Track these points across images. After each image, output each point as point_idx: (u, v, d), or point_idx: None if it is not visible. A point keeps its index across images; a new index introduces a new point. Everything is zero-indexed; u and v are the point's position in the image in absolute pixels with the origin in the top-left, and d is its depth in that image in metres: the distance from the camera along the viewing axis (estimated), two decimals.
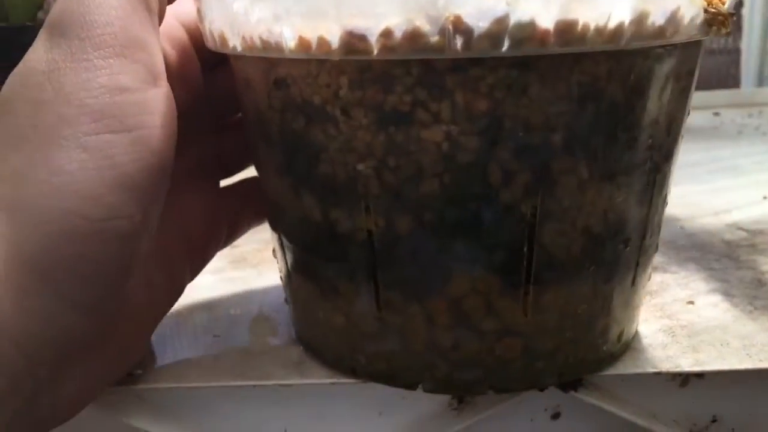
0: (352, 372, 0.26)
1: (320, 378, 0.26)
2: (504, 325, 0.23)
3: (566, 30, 0.19)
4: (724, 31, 0.22)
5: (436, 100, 0.20)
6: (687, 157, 0.57)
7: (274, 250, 0.28)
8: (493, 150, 0.21)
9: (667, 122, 0.23)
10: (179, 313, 0.32)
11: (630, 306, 0.26)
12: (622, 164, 0.22)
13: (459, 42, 0.19)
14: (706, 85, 0.81)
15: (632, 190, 0.23)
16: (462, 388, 0.25)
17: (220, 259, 0.38)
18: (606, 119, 0.21)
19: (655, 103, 0.22)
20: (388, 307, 0.24)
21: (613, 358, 0.26)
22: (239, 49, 0.22)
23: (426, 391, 0.25)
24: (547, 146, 0.21)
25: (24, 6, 0.34)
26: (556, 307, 0.23)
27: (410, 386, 0.25)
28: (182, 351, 0.29)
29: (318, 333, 0.27)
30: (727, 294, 0.31)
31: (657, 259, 0.35)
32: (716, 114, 0.72)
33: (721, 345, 0.27)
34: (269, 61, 0.22)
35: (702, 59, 0.24)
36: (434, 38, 0.19)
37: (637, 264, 0.25)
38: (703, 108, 0.72)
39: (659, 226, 0.26)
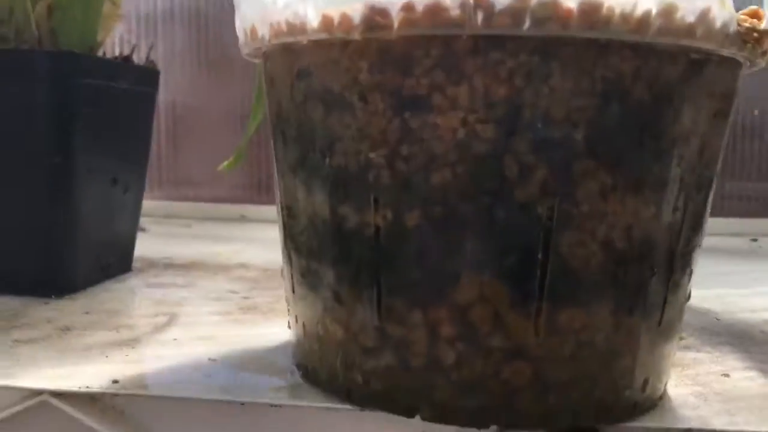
0: (347, 394, 0.24)
1: (312, 401, 0.24)
2: (513, 344, 0.21)
3: (590, 12, 0.18)
4: (760, 50, 0.21)
5: (454, 84, 0.20)
6: (722, 269, 0.55)
7: (282, 269, 0.27)
8: (510, 141, 0.20)
9: (700, 144, 0.22)
10: (178, 341, 0.30)
11: (657, 351, 0.23)
12: (649, 176, 0.21)
13: (480, 17, 0.19)
14: (744, 212, 0.79)
15: (660, 210, 0.21)
16: (464, 419, 0.22)
17: (229, 305, 0.37)
18: (632, 122, 0.20)
19: (685, 116, 0.21)
20: (389, 316, 0.22)
21: (637, 410, 0.23)
22: (267, 37, 0.22)
23: (424, 419, 0.22)
24: (568, 143, 0.20)
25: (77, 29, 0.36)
26: (571, 331, 0.21)
27: (408, 412, 0.22)
28: (176, 371, 0.27)
29: (316, 352, 0.25)
30: (766, 371, 0.28)
31: (690, 341, 0.33)
32: (754, 240, 0.70)
33: (760, 411, 0.24)
34: (294, 52, 0.22)
35: (739, 97, 0.23)
36: (455, 12, 0.19)
37: (665, 302, 0.23)
38: (740, 235, 0.70)
39: (690, 267, 0.24)
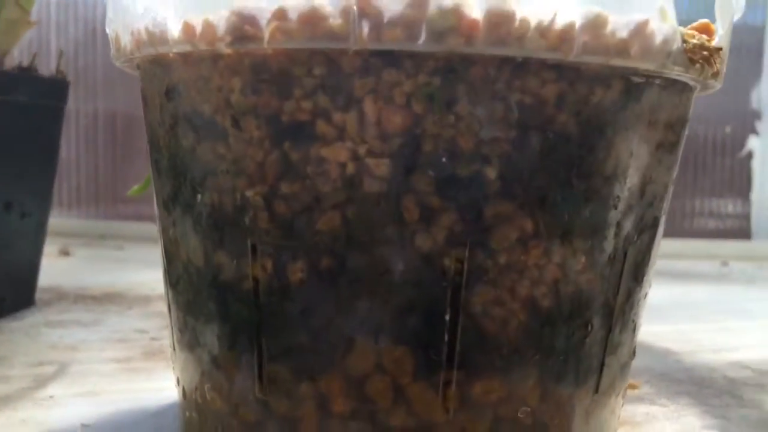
0: None
1: None
2: (418, 422, 0.17)
3: (499, 24, 0.15)
4: (710, 71, 0.18)
5: (341, 109, 0.16)
6: (689, 298, 0.52)
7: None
8: (410, 179, 0.16)
9: (641, 180, 0.18)
10: (55, 399, 0.26)
11: (593, 422, 0.20)
12: (578, 221, 0.17)
13: (366, 28, 0.15)
14: (713, 234, 0.78)
15: (594, 261, 0.18)
16: None
17: (132, 349, 0.33)
18: (556, 157, 0.17)
19: (622, 149, 0.17)
20: (272, 386, 0.18)
21: None
22: (129, 48, 0.19)
23: None
24: (479, 181, 0.16)
25: None
26: (488, 405, 0.18)
27: None
28: None
29: (195, 424, 0.21)
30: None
31: (644, 389, 0.29)
32: (725, 264, 0.67)
33: None
34: (162, 67, 0.19)
35: (690, 128, 0.20)
36: (335, 21, 0.15)
37: (603, 364, 0.19)
38: (710, 257, 0.68)
39: (634, 321, 0.21)
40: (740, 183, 0.81)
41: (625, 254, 0.19)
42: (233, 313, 0.18)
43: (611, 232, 0.18)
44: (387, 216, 0.16)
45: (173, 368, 0.23)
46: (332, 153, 0.16)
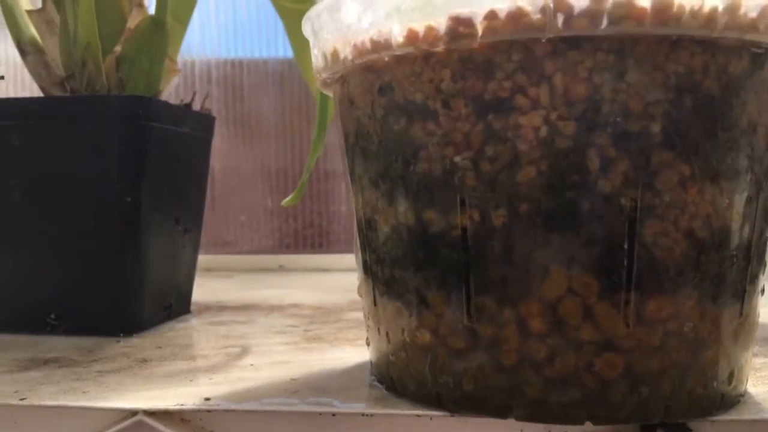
0: (438, 399, 0.24)
1: (403, 409, 0.24)
2: (603, 337, 0.22)
3: (662, 10, 0.20)
4: None
5: (535, 84, 0.21)
6: None
7: (359, 288, 0.28)
8: (591, 136, 0.21)
9: (766, 134, 0.23)
10: (255, 367, 0.31)
11: (739, 342, 0.24)
12: (724, 166, 0.22)
13: (560, 20, 0.20)
14: None
15: (735, 199, 0.22)
16: (558, 416, 0.23)
17: (294, 336, 0.37)
18: (704, 114, 0.21)
19: (752, 108, 0.22)
20: (479, 315, 0.23)
21: (724, 403, 0.24)
22: (350, 58, 0.24)
23: (518, 419, 0.23)
24: (646, 135, 0.21)
25: (143, 80, 0.38)
26: (659, 321, 0.22)
27: (501, 412, 0.23)
28: (262, 389, 0.28)
29: (402, 361, 0.25)
30: None
31: (756, 349, 0.33)
32: None
33: None
34: (375, 71, 0.24)
35: None
36: (536, 17, 0.20)
37: (745, 291, 0.23)
38: None
39: (765, 259, 0.24)
40: None
41: (758, 197, 0.23)
42: (443, 258, 0.23)
43: (747, 177, 0.22)
44: (574, 166, 0.21)
45: (367, 328, 0.28)
46: (528, 120, 0.21)
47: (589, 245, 0.21)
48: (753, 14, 0.20)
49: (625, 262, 0.21)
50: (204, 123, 0.44)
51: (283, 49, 0.87)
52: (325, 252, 0.79)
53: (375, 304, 0.27)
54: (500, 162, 0.22)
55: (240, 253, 0.80)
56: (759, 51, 0.21)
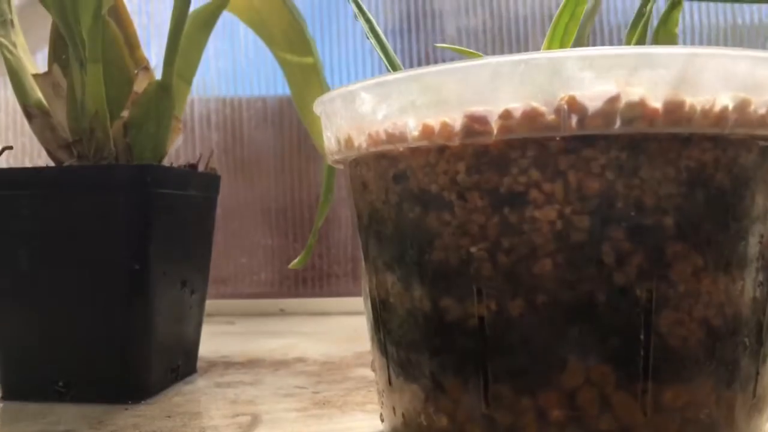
0: None
1: None
2: (621, 425, 0.22)
3: (674, 110, 0.20)
4: None
5: (549, 180, 0.21)
6: None
7: (372, 362, 0.28)
8: (606, 229, 0.21)
9: None
10: None
11: (752, 423, 0.24)
12: (736, 255, 0.22)
13: (574, 120, 0.20)
14: None
15: (747, 286, 0.23)
16: None
17: (302, 401, 0.37)
18: (716, 206, 0.22)
19: (761, 196, 0.22)
20: (497, 403, 0.23)
21: None
22: (364, 146, 0.24)
23: None
24: (660, 228, 0.21)
25: (150, 144, 0.39)
26: (676, 409, 0.22)
27: None
28: None
29: None
30: None
31: None
32: None
33: None
34: (390, 159, 0.24)
35: None
36: (550, 117, 0.21)
37: (758, 373, 0.24)
38: None
39: None
40: None
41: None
42: (459, 345, 0.23)
43: (759, 263, 0.23)
44: (589, 259, 0.21)
45: (381, 404, 0.28)
46: (543, 214, 0.22)
47: (606, 336, 0.22)
48: (762, 110, 0.21)
49: (642, 353, 0.22)
50: (209, 183, 0.44)
51: (282, 87, 0.88)
52: (326, 295, 0.79)
53: (390, 383, 0.27)
54: (516, 254, 0.22)
55: (240, 295, 0.80)
56: (764, 144, 0.22)
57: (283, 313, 0.77)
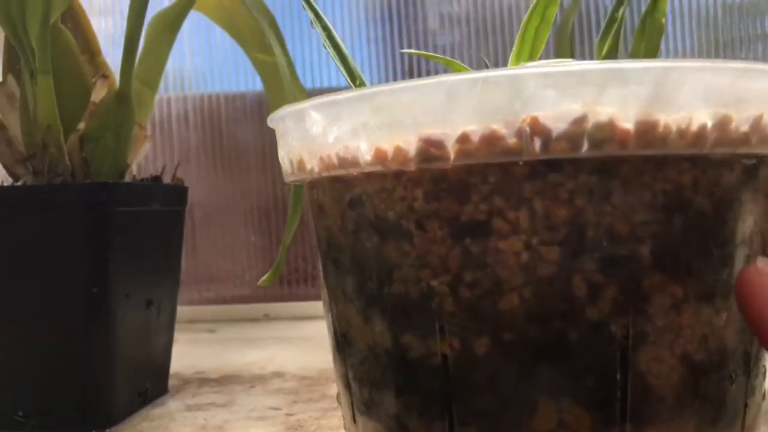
0: None
1: None
2: None
3: (647, 131, 0.18)
4: None
5: (513, 208, 0.19)
6: None
7: (338, 395, 0.27)
8: (577, 261, 0.19)
9: (762, 242, 0.21)
10: None
11: None
12: (719, 283, 0.20)
13: (537, 144, 0.18)
14: None
15: (732, 316, 0.21)
16: None
17: (274, 425, 0.36)
18: (696, 232, 0.20)
19: (747, 218, 0.20)
20: None
21: None
22: (317, 170, 0.23)
23: None
24: (635, 258, 0.19)
25: (109, 158, 0.37)
26: None
27: None
28: None
29: None
30: None
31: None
32: None
33: None
34: (344, 183, 0.22)
35: None
36: (512, 140, 0.19)
37: (746, 405, 0.22)
38: None
39: (765, 366, 0.23)
40: None
41: None
42: (423, 385, 0.21)
43: None
44: (559, 293, 0.19)
45: None
46: (508, 245, 0.20)
47: (580, 376, 0.20)
48: (745, 128, 0.19)
49: (619, 393, 0.20)
50: (175, 195, 0.42)
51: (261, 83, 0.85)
52: (312, 296, 0.78)
53: (354, 420, 0.25)
54: (480, 288, 0.20)
55: (224, 300, 0.79)
56: (751, 162, 0.20)
57: (267, 318, 0.76)
